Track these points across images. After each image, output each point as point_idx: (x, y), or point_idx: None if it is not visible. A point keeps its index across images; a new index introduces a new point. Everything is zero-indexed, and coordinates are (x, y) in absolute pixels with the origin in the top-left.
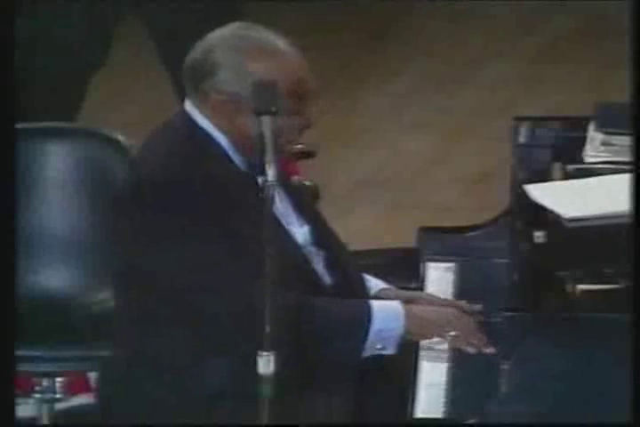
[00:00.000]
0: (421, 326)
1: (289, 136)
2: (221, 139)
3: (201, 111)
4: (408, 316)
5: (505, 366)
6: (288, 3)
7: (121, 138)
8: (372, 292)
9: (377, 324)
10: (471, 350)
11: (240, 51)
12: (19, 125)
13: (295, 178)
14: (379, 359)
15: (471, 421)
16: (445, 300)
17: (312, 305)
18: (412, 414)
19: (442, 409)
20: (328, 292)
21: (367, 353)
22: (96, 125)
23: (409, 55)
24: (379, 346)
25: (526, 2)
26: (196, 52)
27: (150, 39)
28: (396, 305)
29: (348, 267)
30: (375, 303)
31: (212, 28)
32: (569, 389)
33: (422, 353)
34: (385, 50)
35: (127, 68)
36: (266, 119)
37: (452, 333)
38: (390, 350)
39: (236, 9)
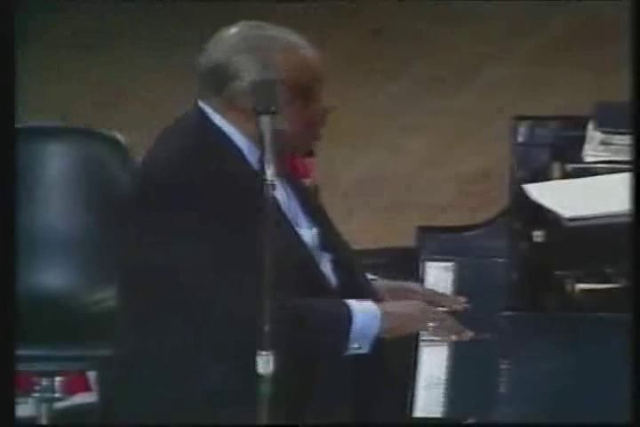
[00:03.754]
0: (400, 322)
1: (314, 131)
2: (238, 139)
3: (218, 111)
4: (384, 315)
5: (504, 366)
6: (285, 3)
7: (120, 137)
8: None
9: (358, 323)
10: (453, 337)
11: (262, 52)
12: (18, 125)
13: (307, 180)
14: (378, 359)
15: (471, 420)
16: (430, 290)
17: (296, 305)
18: (411, 413)
19: (441, 409)
20: (334, 293)
21: (346, 353)
22: (95, 125)
23: (408, 56)
24: (355, 345)
25: (526, 2)
26: (214, 55)
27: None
28: (372, 305)
29: (355, 269)
30: (354, 303)
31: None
32: (568, 388)
33: (422, 352)
34: (384, 51)
35: (127, 68)
36: (265, 118)
37: (431, 324)
38: (365, 350)
39: None
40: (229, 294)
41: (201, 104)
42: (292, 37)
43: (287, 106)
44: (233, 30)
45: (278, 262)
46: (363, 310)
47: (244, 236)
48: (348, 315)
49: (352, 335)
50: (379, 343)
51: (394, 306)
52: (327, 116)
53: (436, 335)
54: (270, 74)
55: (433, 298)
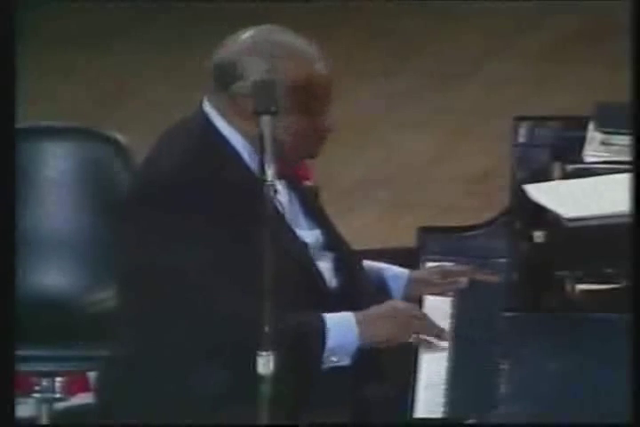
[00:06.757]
0: (381, 333)
1: (311, 147)
2: (239, 142)
3: (219, 112)
4: (362, 327)
5: (504, 366)
6: (285, 3)
7: (119, 137)
8: (405, 281)
9: (332, 338)
10: (435, 343)
11: (270, 55)
12: (18, 125)
13: (307, 183)
14: (378, 359)
15: (471, 421)
16: (466, 267)
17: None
18: (411, 414)
19: (441, 409)
20: (332, 295)
21: (324, 366)
22: (96, 125)
23: (408, 54)
24: (333, 359)
25: (526, 1)
26: (224, 55)
27: None
28: (349, 319)
29: (356, 270)
30: (329, 318)
31: None
32: (568, 389)
33: (422, 353)
34: (384, 48)
35: (128, 67)
36: (266, 119)
37: (414, 334)
38: (345, 362)
39: None
40: (229, 295)
41: (205, 106)
42: (306, 48)
43: (286, 115)
44: (250, 32)
45: (277, 264)
46: (337, 325)
47: (244, 237)
48: (321, 332)
49: (327, 351)
50: (361, 354)
51: (373, 317)
52: (327, 136)
53: (419, 343)
54: (273, 76)
55: (469, 274)
